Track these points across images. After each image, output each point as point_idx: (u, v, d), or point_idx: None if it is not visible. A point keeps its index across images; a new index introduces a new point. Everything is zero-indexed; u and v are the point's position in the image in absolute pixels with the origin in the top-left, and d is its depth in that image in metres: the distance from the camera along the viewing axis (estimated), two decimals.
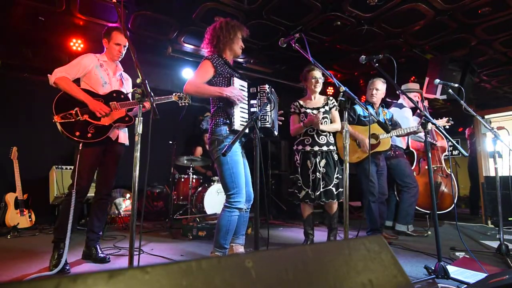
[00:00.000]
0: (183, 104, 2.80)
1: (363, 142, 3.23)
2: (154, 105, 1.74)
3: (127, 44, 2.58)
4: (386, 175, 3.50)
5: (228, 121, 2.19)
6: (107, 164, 2.55)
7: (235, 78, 2.22)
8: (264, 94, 2.19)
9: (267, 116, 2.18)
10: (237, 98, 2.15)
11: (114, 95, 2.51)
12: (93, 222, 2.53)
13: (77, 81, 2.47)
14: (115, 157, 2.57)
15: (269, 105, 2.15)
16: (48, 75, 2.35)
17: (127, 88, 2.74)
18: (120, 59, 2.65)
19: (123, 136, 2.61)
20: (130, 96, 2.64)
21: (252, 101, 2.24)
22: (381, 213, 3.47)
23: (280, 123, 2.49)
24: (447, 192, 4.31)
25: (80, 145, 2.35)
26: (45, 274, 2.15)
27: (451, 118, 3.39)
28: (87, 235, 2.52)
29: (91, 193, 2.62)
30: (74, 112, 2.33)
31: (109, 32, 2.57)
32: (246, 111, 2.25)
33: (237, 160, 2.19)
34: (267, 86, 2.23)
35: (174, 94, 2.77)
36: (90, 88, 2.46)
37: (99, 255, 2.47)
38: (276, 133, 2.36)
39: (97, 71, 2.51)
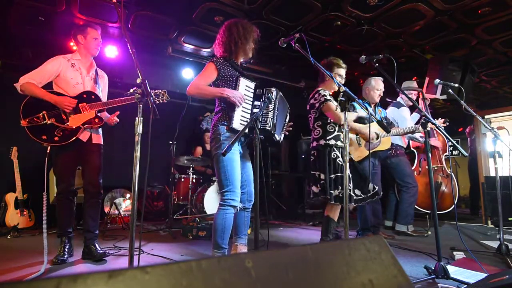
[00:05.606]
0: (160, 101, 2.57)
1: (367, 136, 3.15)
2: (154, 105, 1.75)
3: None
4: (380, 174, 3.49)
5: (227, 121, 2.18)
6: (87, 163, 2.56)
7: (241, 78, 2.21)
8: (268, 96, 2.16)
9: (267, 119, 2.14)
10: (237, 100, 2.12)
11: (85, 96, 2.49)
12: (88, 222, 2.55)
13: (49, 85, 2.48)
14: (92, 156, 2.56)
15: (270, 107, 2.13)
16: (14, 84, 2.37)
17: (102, 85, 2.71)
18: (97, 53, 2.64)
19: (96, 137, 2.59)
20: (103, 95, 2.63)
21: (256, 102, 2.21)
22: (377, 212, 3.46)
23: (287, 133, 2.48)
24: (447, 192, 4.30)
25: (48, 148, 2.40)
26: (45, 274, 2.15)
27: (447, 120, 3.38)
28: (84, 235, 2.55)
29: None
30: (41, 115, 2.35)
31: (82, 29, 2.57)
32: (249, 111, 2.22)
33: (233, 158, 2.16)
34: (274, 89, 2.20)
35: (151, 90, 2.47)
36: (61, 90, 2.47)
37: (99, 251, 2.49)
38: (278, 138, 2.29)
39: (67, 72, 2.50)
